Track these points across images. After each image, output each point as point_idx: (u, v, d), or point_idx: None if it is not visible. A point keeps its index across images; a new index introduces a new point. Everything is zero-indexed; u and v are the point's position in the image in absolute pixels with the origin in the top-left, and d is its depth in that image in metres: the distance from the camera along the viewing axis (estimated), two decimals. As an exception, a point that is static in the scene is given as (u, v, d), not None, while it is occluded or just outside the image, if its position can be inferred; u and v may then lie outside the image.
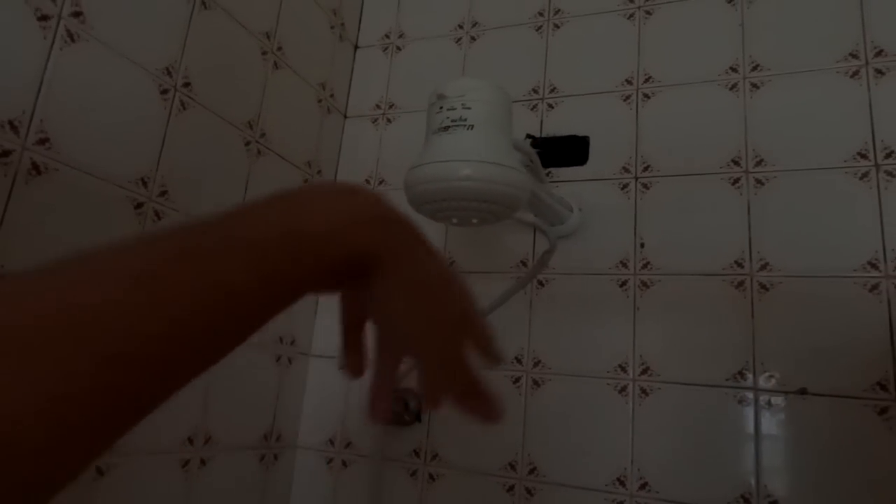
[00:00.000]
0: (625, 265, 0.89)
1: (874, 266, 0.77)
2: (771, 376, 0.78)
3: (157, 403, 0.23)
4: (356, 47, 1.19)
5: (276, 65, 0.96)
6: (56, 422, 0.19)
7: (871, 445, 0.72)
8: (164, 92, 0.76)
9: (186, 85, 0.79)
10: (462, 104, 0.57)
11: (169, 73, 0.77)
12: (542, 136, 0.99)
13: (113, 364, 0.20)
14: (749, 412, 0.78)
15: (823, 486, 0.73)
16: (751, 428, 0.78)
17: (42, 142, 0.62)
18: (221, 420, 0.84)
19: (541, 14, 1.05)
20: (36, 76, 0.62)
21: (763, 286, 0.81)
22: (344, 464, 0.97)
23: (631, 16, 0.99)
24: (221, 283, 0.24)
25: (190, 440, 0.80)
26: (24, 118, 0.61)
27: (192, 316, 0.23)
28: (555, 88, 1.01)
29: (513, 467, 0.87)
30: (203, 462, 0.82)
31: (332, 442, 0.99)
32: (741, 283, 0.82)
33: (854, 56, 0.84)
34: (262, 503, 0.92)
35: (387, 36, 1.17)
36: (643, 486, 0.80)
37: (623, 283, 0.88)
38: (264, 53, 0.94)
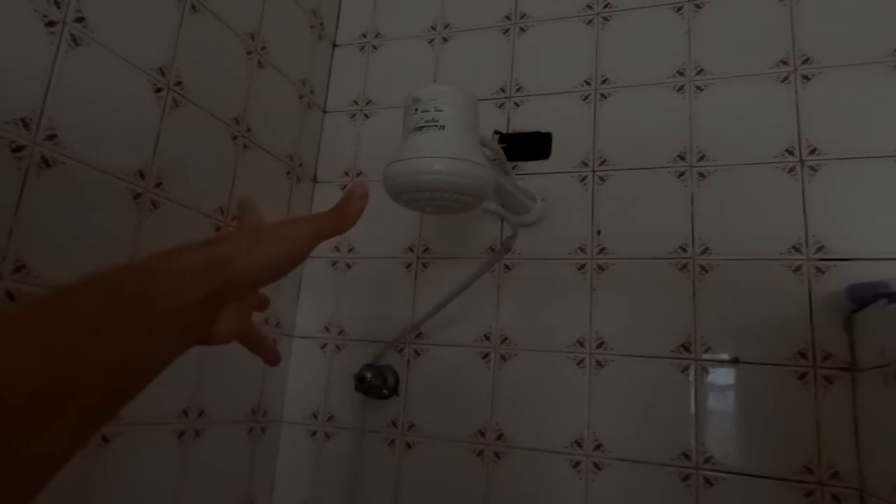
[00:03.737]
0: (583, 250, 0.98)
1: (797, 250, 0.87)
2: (709, 348, 0.88)
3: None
4: (335, 46, 1.25)
5: (260, 63, 1.02)
6: None
7: (791, 405, 0.83)
8: (158, 90, 0.82)
9: (178, 83, 0.85)
10: (434, 107, 0.65)
11: (162, 73, 0.83)
12: (509, 132, 1.07)
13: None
14: (690, 380, 0.88)
15: (751, 441, 0.84)
16: (691, 394, 0.88)
17: (50, 137, 0.68)
18: (213, 395, 0.91)
19: (508, 18, 1.13)
20: (44, 77, 0.67)
21: (703, 268, 0.91)
22: (327, 436, 1.05)
23: (590, 21, 1.08)
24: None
25: (185, 412, 0.86)
26: (35, 116, 0.66)
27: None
28: (521, 88, 1.09)
29: (482, 434, 0.96)
30: (197, 433, 0.88)
31: (315, 416, 1.06)
32: (685, 266, 0.92)
33: (785, 63, 0.94)
34: (251, 472, 0.99)
35: (364, 35, 1.24)
36: (598, 447, 0.90)
37: (581, 267, 0.97)
38: (249, 53, 1.00)
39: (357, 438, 1.02)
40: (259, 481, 1.01)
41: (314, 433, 1.05)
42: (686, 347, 0.89)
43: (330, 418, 1.05)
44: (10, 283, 0.63)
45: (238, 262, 0.35)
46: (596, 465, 0.89)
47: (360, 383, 0.98)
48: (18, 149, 0.64)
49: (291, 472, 1.05)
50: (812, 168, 0.89)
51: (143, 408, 0.79)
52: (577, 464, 0.90)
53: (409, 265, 1.08)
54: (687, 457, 0.86)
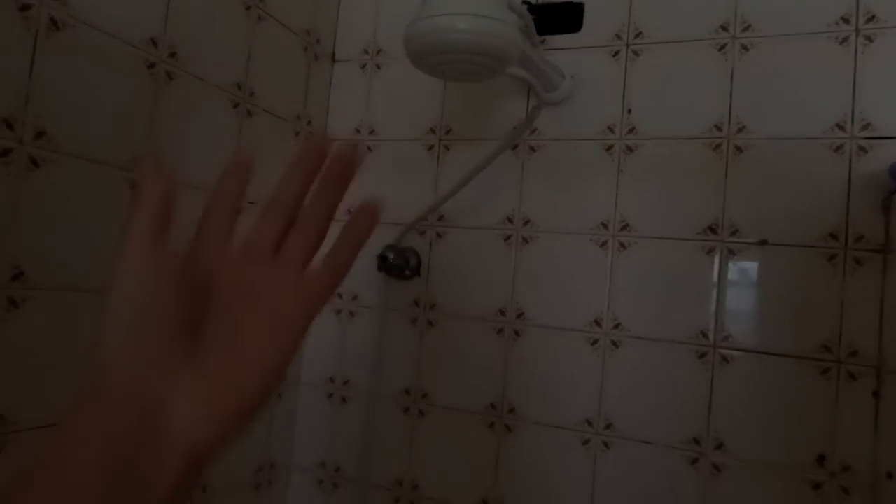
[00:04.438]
0: (612, 130, 0.94)
1: (841, 128, 0.83)
2: (737, 230, 0.87)
3: None
4: (347, -67, 1.15)
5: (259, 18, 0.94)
6: None
7: (816, 287, 0.82)
8: (165, -50, 0.77)
9: (185, -56, 0.80)
10: (459, -41, 0.60)
11: (168, -69, 0.77)
12: (538, 1, 1.00)
13: None
14: (714, 262, 0.87)
15: (772, 321, 0.84)
16: (715, 276, 0.87)
17: (57, -3, 0.65)
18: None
19: None
20: (44, -71, 0.63)
21: (738, 148, 0.87)
22: (351, 314, 1.08)
23: None
24: None
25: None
26: (38, -27, 0.63)
27: None
28: (552, -48, 1.00)
29: (502, 313, 0.98)
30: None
31: (339, 295, 1.09)
32: (718, 146, 0.88)
33: (850, -84, 0.84)
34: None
35: None
36: (616, 326, 0.91)
37: (609, 148, 0.94)
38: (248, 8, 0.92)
39: (380, 317, 1.05)
40: (288, 355, 1.06)
41: (339, 312, 1.09)
42: (713, 230, 0.88)
43: (354, 298, 1.08)
44: (33, 150, 0.63)
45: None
46: (614, 343, 0.91)
47: (383, 263, 0.99)
48: (25, 7, 0.62)
49: (318, 350, 1.09)
50: (867, 38, 0.82)
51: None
52: (594, 342, 0.92)
53: (431, 147, 1.05)
54: (705, 335, 0.87)
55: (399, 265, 1.00)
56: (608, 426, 0.90)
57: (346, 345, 1.08)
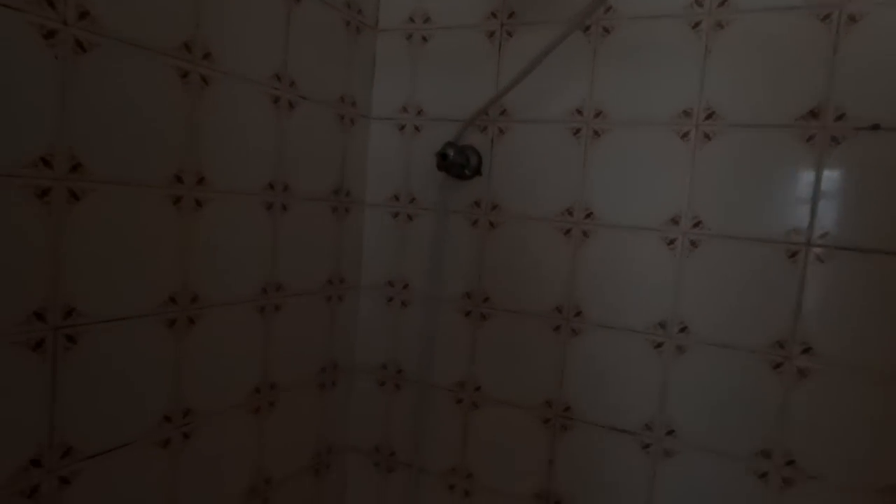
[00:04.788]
0: (699, 4, 0.83)
1: None
2: (843, 114, 0.76)
3: None
4: None
5: None
6: None
7: (937, 176, 0.72)
8: None
9: None
10: None
11: None
12: None
13: None
14: (814, 151, 0.78)
15: (879, 219, 0.75)
16: (813, 167, 0.78)
17: None
18: (296, 173, 0.90)
19: None
20: None
21: (851, 18, 0.76)
22: (409, 217, 1.04)
23: None
24: None
25: (271, 185, 0.86)
26: None
27: None
28: None
29: (570, 213, 0.92)
30: (284, 207, 0.89)
31: (397, 198, 1.05)
32: (827, 16, 0.77)
33: None
34: (339, 245, 1.02)
35: None
36: (696, 225, 0.85)
37: (696, 25, 0.83)
38: None
39: (440, 218, 1.01)
40: (346, 260, 1.05)
41: (397, 214, 1.05)
42: (814, 115, 0.78)
43: (412, 200, 1.04)
44: (77, 31, 0.60)
45: None
46: (692, 243, 0.85)
47: (443, 160, 0.94)
48: None
49: (376, 254, 1.07)
50: None
51: (231, 178, 0.79)
52: (671, 242, 0.86)
53: (492, 34, 0.96)
54: (797, 233, 0.79)
55: (459, 163, 0.95)
56: (683, 329, 0.86)
57: (405, 248, 1.05)
